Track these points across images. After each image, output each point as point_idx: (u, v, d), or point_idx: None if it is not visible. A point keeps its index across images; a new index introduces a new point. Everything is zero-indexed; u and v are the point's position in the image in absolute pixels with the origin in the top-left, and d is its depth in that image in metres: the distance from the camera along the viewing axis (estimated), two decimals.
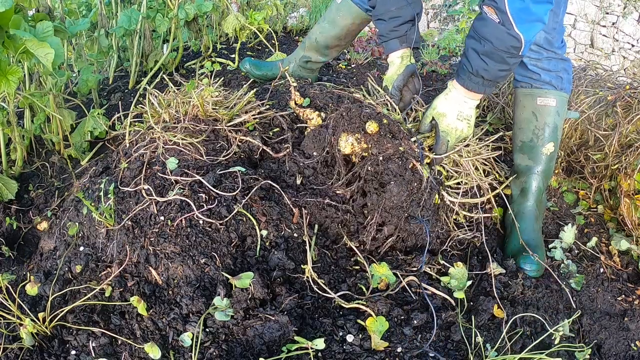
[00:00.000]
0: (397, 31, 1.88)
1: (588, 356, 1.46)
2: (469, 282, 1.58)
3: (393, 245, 1.71)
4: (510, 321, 1.48)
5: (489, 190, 1.91)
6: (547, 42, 1.87)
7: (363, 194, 1.73)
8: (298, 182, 1.77)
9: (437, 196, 1.74)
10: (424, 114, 1.85)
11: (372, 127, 1.69)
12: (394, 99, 1.95)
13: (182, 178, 1.63)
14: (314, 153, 1.79)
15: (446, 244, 1.78)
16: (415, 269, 1.62)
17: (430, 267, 1.64)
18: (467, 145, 1.93)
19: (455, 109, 1.77)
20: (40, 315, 1.36)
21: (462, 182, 1.87)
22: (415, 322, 1.43)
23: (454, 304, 1.52)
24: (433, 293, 1.54)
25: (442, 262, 1.65)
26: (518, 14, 1.51)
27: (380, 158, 1.67)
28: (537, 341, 1.43)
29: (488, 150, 1.99)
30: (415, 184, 1.66)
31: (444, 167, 1.87)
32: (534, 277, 1.72)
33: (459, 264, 1.62)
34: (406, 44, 1.93)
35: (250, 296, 1.38)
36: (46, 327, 1.36)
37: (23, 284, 1.52)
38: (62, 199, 2.02)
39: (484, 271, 1.69)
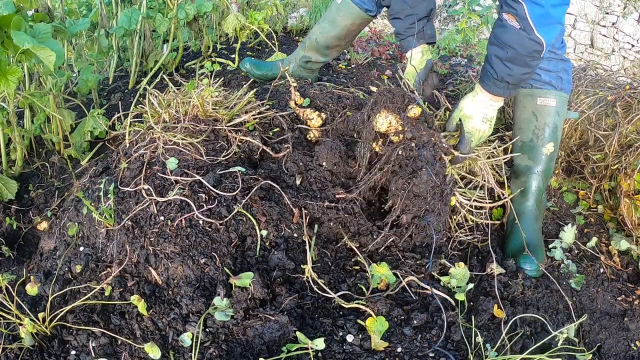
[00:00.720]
0: (413, 28, 1.92)
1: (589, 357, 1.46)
2: (470, 286, 1.58)
3: (395, 242, 1.71)
4: (511, 321, 1.48)
5: (504, 194, 1.92)
6: None
7: (385, 179, 1.75)
8: (298, 182, 1.77)
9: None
10: (451, 115, 1.89)
11: (415, 110, 1.70)
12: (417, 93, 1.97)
13: (182, 178, 1.63)
14: (324, 163, 1.82)
15: (449, 245, 1.78)
16: (422, 267, 1.63)
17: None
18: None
19: (482, 112, 1.81)
20: (40, 315, 1.35)
21: (477, 184, 1.90)
22: (415, 322, 1.42)
23: (454, 304, 1.52)
24: (433, 293, 1.54)
25: (443, 262, 1.65)
26: (538, 19, 1.54)
27: (413, 144, 1.68)
28: (539, 343, 1.43)
29: (497, 152, 2.00)
30: (441, 177, 1.68)
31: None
32: (534, 277, 1.73)
33: (461, 264, 1.62)
34: (423, 40, 1.97)
35: (250, 296, 1.38)
36: (46, 327, 1.36)
37: (22, 282, 1.52)
38: (62, 199, 2.02)
39: (484, 271, 1.69)
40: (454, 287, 1.58)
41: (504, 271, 1.68)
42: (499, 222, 1.98)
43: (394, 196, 1.70)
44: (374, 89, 2.06)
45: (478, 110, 1.81)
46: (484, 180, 1.89)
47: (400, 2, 1.89)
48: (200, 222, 1.52)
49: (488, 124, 1.84)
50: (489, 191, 1.93)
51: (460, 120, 1.85)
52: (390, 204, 1.70)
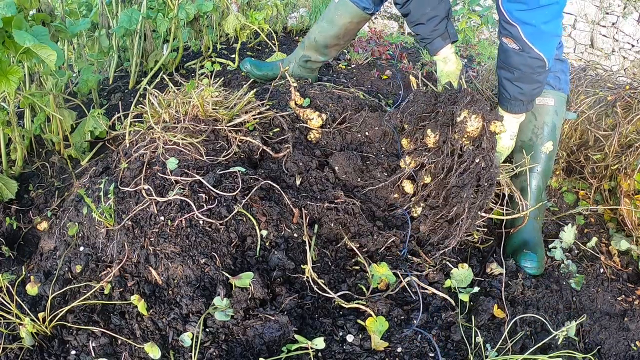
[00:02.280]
0: (437, 30, 1.94)
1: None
2: (476, 289, 1.58)
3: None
4: (511, 321, 1.48)
5: (526, 204, 1.92)
6: None
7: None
8: (298, 182, 1.77)
9: None
10: None
11: (499, 127, 1.72)
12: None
13: (182, 178, 1.63)
14: (336, 168, 1.85)
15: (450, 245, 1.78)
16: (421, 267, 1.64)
17: (433, 266, 1.64)
18: None
19: (508, 132, 1.87)
20: (40, 315, 1.36)
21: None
22: (415, 322, 1.42)
23: (454, 304, 1.52)
24: (433, 293, 1.54)
25: (445, 262, 1.65)
26: (533, 38, 1.58)
27: (482, 156, 1.70)
28: (540, 343, 1.43)
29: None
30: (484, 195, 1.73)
31: None
32: (534, 275, 1.73)
33: (464, 265, 1.63)
34: (449, 40, 1.98)
35: (250, 296, 1.38)
36: (46, 327, 1.36)
37: (22, 282, 1.52)
38: (62, 199, 2.02)
39: (484, 271, 1.69)
40: (454, 288, 1.58)
41: (504, 271, 1.68)
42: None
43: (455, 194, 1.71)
44: (413, 79, 2.06)
45: (506, 133, 1.87)
46: (508, 191, 1.91)
47: (420, 8, 1.92)
48: (200, 222, 1.52)
49: (513, 140, 1.91)
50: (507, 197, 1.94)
51: None
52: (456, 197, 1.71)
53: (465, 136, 1.70)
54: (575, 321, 1.54)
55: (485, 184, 1.68)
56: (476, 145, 1.71)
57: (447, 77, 2.01)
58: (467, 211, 1.67)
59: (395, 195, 1.85)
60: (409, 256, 1.68)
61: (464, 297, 1.52)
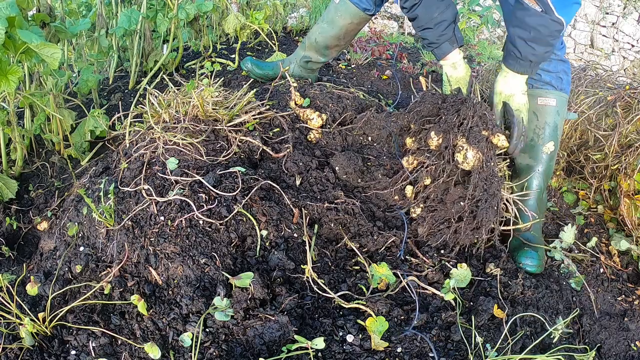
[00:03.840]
0: (445, 34, 1.94)
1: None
2: (457, 284, 1.59)
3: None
4: (510, 321, 1.48)
5: (534, 216, 1.92)
6: None
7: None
8: (298, 182, 1.77)
9: None
10: (492, 104, 1.91)
11: (501, 140, 1.74)
12: None
13: (182, 178, 1.63)
14: (337, 168, 1.85)
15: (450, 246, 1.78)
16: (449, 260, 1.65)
17: (432, 266, 1.64)
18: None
19: (519, 87, 1.86)
20: (40, 315, 1.35)
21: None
22: (415, 322, 1.42)
23: (453, 304, 1.52)
24: (433, 293, 1.54)
25: (444, 262, 1.65)
26: (558, 1, 1.60)
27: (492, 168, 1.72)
28: (537, 341, 1.43)
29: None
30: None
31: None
32: (534, 273, 1.72)
33: (463, 265, 1.63)
34: (457, 44, 1.98)
35: (250, 296, 1.38)
36: (46, 327, 1.36)
37: (22, 282, 1.52)
38: (62, 199, 2.02)
39: (484, 271, 1.69)
40: (454, 288, 1.58)
41: (503, 271, 1.68)
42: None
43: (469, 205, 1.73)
44: (423, 80, 2.07)
45: (516, 87, 1.85)
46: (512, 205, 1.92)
47: (428, 13, 1.92)
48: (200, 222, 1.52)
49: (526, 96, 1.88)
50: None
51: (504, 103, 1.87)
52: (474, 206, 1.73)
53: (463, 166, 1.71)
54: (570, 316, 1.54)
55: (486, 195, 1.68)
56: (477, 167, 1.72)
57: (456, 82, 2.00)
58: (466, 221, 1.68)
59: (396, 197, 1.85)
60: (407, 257, 1.68)
61: (449, 296, 1.51)
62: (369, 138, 2.04)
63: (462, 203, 1.69)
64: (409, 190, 1.83)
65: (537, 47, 1.72)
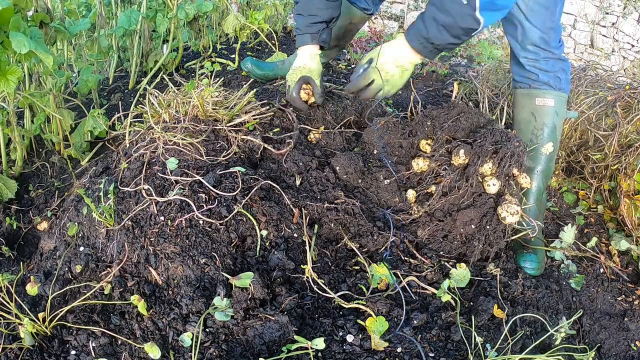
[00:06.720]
0: (311, 27, 1.96)
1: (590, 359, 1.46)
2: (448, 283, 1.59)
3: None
4: (510, 321, 1.48)
5: (538, 223, 1.91)
6: (544, 42, 1.87)
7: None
8: (298, 182, 1.77)
9: None
10: (365, 54, 1.91)
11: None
12: (289, 96, 1.99)
13: (182, 178, 1.63)
14: (337, 168, 1.85)
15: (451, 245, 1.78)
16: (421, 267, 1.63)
17: (431, 267, 1.64)
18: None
19: (395, 54, 1.80)
20: (40, 315, 1.35)
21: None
22: (415, 322, 1.43)
23: (453, 304, 1.52)
24: (433, 293, 1.54)
25: (443, 262, 1.65)
26: (485, 2, 1.56)
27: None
28: (537, 342, 1.43)
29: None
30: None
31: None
32: (533, 275, 1.73)
33: (462, 265, 1.63)
34: (317, 41, 1.99)
35: (250, 296, 1.38)
36: (46, 327, 1.36)
37: (22, 282, 1.52)
38: (62, 199, 2.02)
39: (484, 271, 1.69)
40: (453, 288, 1.58)
41: (503, 271, 1.68)
42: None
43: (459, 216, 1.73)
44: (456, 86, 2.15)
45: (392, 52, 1.81)
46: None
47: (307, 3, 1.96)
48: (201, 222, 1.52)
49: (399, 71, 1.82)
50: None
51: (372, 59, 1.84)
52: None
53: (489, 190, 1.72)
54: (572, 318, 1.54)
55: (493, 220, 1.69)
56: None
57: (309, 72, 1.99)
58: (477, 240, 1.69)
59: (396, 199, 1.85)
60: (405, 258, 1.68)
61: (445, 297, 1.51)
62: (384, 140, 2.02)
63: (472, 226, 1.69)
64: (410, 194, 1.83)
65: (445, 35, 1.67)
